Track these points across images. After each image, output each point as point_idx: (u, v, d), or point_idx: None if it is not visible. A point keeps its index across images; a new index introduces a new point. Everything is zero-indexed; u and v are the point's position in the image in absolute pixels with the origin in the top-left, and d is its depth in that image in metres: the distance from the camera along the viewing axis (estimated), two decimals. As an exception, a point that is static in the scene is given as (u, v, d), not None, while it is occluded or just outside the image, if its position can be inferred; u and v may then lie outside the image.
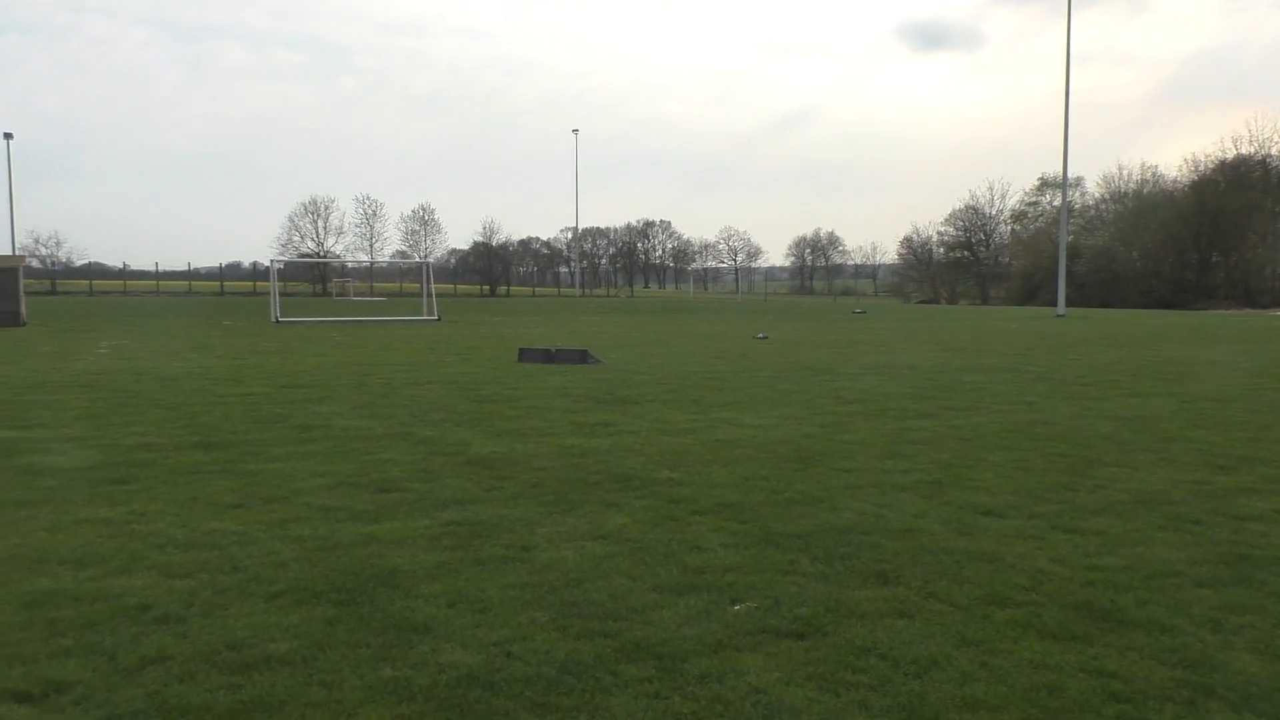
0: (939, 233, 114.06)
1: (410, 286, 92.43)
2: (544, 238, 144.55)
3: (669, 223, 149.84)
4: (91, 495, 6.85)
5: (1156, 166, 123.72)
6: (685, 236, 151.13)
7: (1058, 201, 72.55)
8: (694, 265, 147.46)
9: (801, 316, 47.02)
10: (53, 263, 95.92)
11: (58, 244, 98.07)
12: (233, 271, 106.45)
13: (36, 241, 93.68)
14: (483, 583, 4.97)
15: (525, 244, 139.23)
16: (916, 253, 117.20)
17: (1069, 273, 57.79)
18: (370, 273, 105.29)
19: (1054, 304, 54.61)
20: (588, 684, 3.79)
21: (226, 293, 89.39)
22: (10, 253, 54.38)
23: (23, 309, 31.91)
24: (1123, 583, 5.05)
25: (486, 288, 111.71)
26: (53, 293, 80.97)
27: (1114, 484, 7.50)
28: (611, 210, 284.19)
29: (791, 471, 7.89)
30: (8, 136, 71.37)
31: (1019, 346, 24.11)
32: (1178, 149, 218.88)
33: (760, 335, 27.66)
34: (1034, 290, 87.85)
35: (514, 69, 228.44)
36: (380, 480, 7.40)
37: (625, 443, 9.15)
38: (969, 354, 21.35)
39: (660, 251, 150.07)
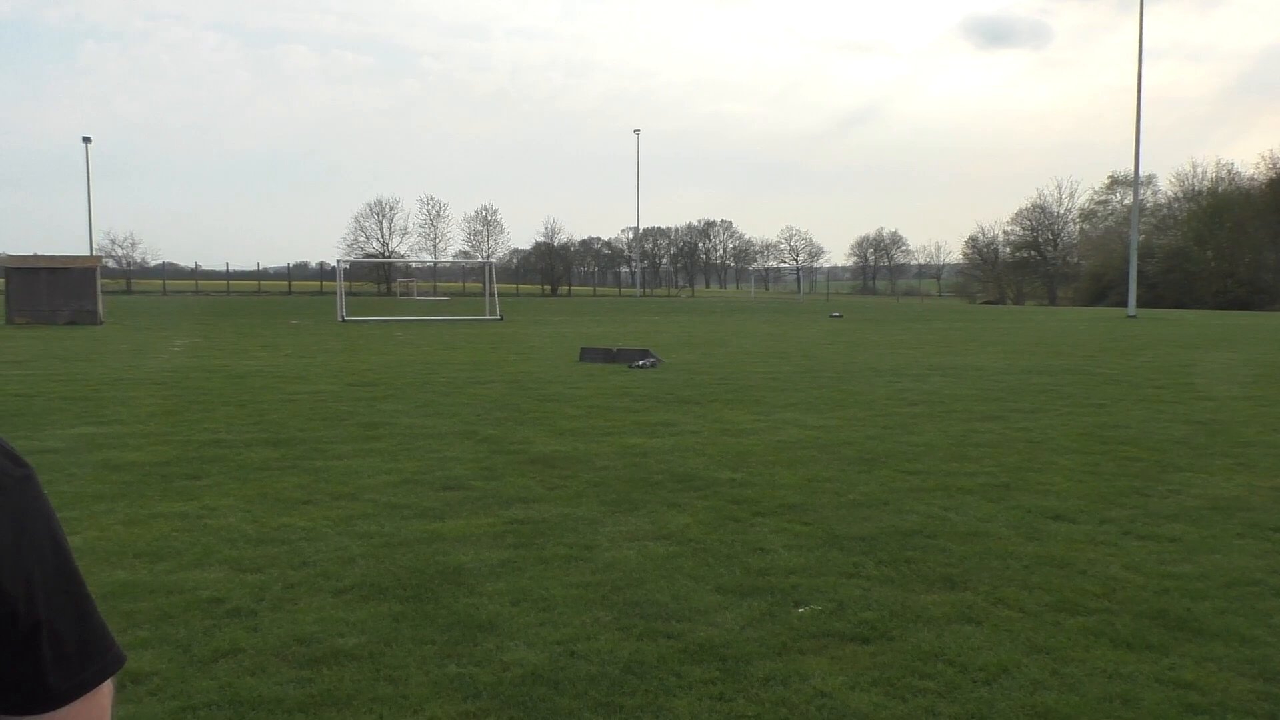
0: (1005, 232, 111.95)
1: (473, 286, 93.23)
2: (605, 237, 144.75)
3: (730, 222, 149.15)
4: (165, 490, 7.02)
5: (1232, 163, 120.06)
6: (746, 236, 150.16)
7: (1128, 200, 71.08)
8: (755, 265, 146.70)
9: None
10: (128, 263, 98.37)
11: (133, 245, 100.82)
12: (300, 271, 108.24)
13: (113, 242, 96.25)
14: (546, 581, 4.99)
15: (586, 244, 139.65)
16: (982, 252, 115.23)
17: (1140, 273, 56.43)
18: (434, 273, 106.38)
19: (1124, 305, 53.37)
20: (651, 685, 3.79)
21: (294, 292, 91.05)
22: (88, 254, 55.91)
23: (100, 308, 32.85)
24: (1199, 591, 4.92)
25: (548, 287, 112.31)
26: (128, 292, 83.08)
27: (1189, 489, 7.31)
28: (672, 210, 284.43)
29: (855, 473, 7.81)
30: (86, 140, 73.16)
31: (1088, 348, 23.62)
32: (1255, 145, 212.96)
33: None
34: (1103, 291, 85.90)
35: (576, 69, 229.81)
36: (444, 478, 7.48)
37: (687, 443, 9.14)
38: (1036, 355, 20.96)
39: (721, 251, 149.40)
